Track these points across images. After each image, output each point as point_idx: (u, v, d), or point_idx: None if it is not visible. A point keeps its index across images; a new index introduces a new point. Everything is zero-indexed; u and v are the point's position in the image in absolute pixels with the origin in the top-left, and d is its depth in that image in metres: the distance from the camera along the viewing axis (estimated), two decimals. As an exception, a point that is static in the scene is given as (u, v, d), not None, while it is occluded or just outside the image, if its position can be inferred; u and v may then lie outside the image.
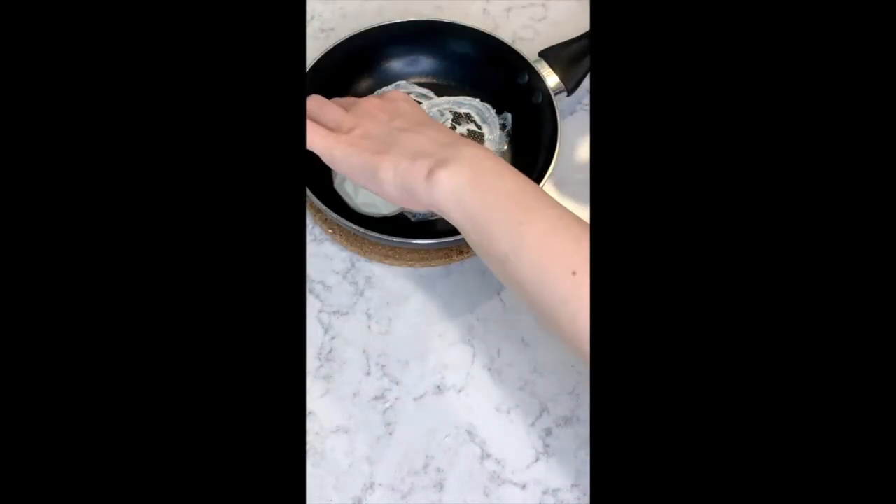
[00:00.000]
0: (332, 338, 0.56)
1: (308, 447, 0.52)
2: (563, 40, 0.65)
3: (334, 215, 0.57)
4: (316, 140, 0.49)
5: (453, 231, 0.58)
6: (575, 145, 0.65)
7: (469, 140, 0.48)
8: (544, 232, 0.43)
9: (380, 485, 0.51)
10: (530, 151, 0.62)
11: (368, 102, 0.52)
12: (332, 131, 0.50)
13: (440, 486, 0.51)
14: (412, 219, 0.61)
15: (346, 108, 0.52)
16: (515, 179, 0.46)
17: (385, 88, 0.66)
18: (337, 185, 0.59)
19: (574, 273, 0.41)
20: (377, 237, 0.56)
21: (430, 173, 0.45)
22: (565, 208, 0.44)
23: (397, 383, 0.54)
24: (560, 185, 0.63)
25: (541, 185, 0.57)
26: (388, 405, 0.54)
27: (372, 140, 0.49)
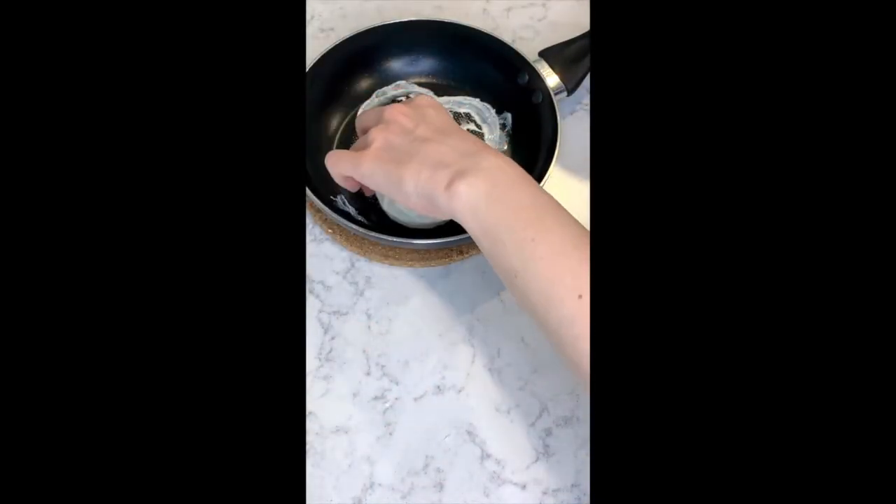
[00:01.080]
0: (332, 338, 0.56)
1: (308, 447, 0.52)
2: (563, 40, 0.65)
3: (334, 215, 0.57)
4: (343, 163, 0.52)
5: (453, 231, 0.58)
6: (575, 145, 0.65)
7: (491, 149, 0.48)
8: (554, 251, 0.43)
9: (380, 485, 0.51)
10: (530, 151, 0.62)
11: (394, 110, 0.52)
12: (357, 151, 0.52)
13: (440, 486, 0.51)
14: None
15: (376, 119, 0.53)
16: (532, 192, 0.46)
17: (385, 88, 0.66)
18: (386, 206, 0.59)
19: (580, 296, 0.41)
20: (377, 237, 0.56)
21: (450, 184, 0.45)
22: (580, 226, 0.44)
23: (397, 383, 0.54)
24: (560, 185, 0.63)
25: (540, 185, 0.57)
26: (388, 405, 0.54)
27: (394, 151, 0.49)
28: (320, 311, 0.57)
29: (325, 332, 0.56)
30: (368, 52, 0.66)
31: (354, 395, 0.54)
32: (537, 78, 0.63)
